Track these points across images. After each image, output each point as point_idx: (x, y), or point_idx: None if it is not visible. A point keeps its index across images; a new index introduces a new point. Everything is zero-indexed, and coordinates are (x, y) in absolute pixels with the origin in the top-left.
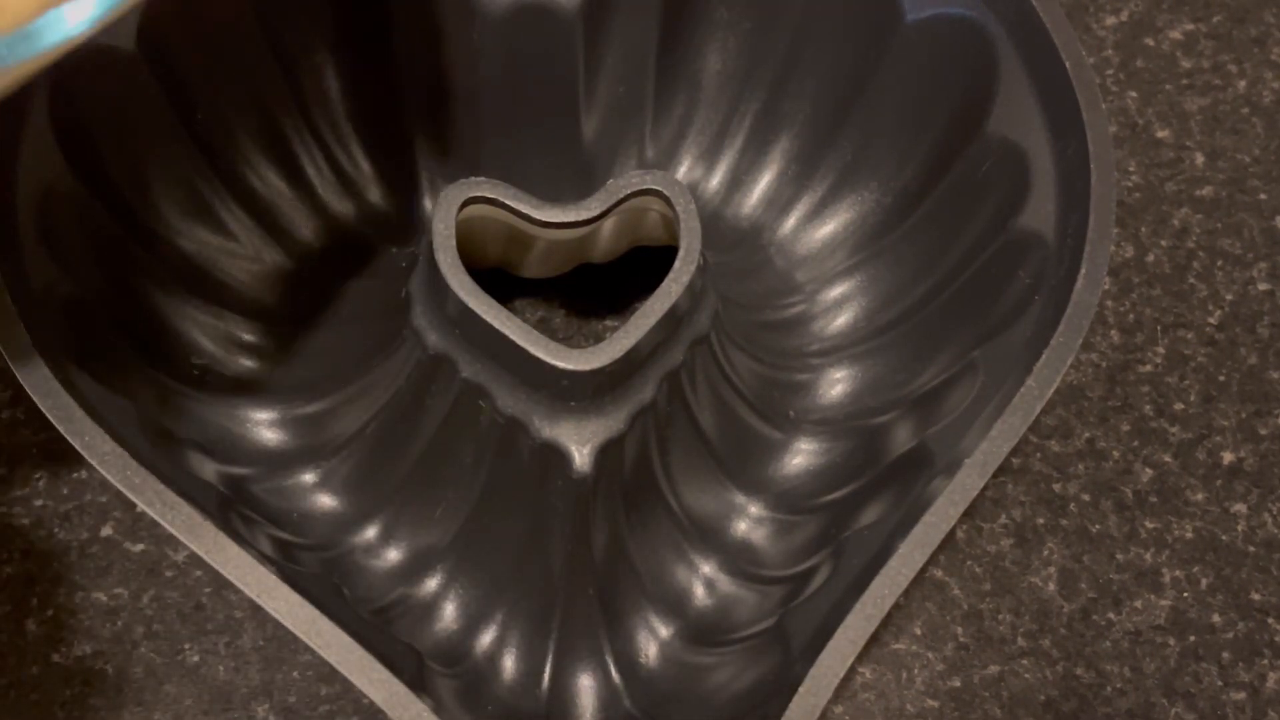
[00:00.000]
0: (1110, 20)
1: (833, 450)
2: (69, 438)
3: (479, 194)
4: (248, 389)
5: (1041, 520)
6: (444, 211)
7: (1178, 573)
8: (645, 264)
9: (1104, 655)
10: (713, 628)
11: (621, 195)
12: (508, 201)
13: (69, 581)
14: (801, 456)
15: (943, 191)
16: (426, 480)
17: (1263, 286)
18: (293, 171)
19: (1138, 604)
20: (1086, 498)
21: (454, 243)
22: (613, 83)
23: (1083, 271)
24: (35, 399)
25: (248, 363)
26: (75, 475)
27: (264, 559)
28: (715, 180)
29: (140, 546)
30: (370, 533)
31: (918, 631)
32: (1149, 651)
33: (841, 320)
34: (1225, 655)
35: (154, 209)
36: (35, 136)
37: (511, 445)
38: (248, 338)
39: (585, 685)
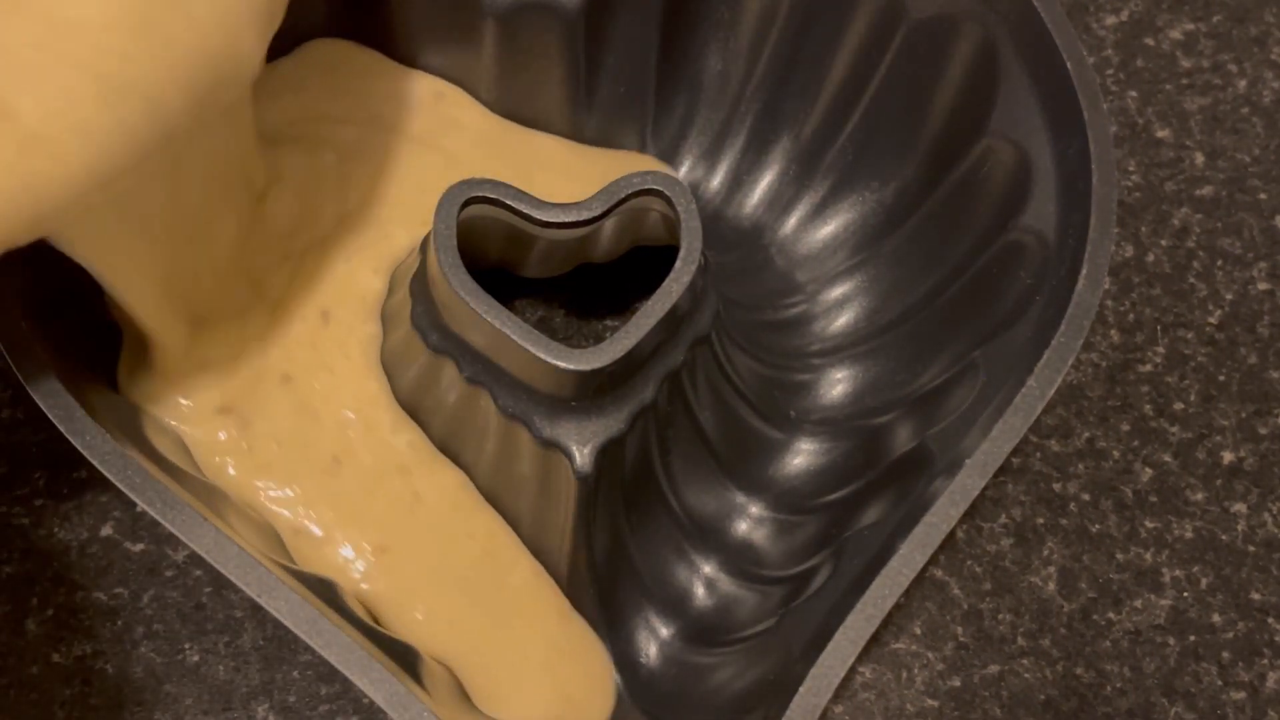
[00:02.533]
0: (1110, 20)
1: (833, 450)
2: (69, 437)
3: (479, 194)
4: None
5: (1041, 520)
6: (444, 211)
7: (1178, 572)
8: (646, 264)
9: (1104, 655)
10: (713, 628)
11: (622, 195)
12: (508, 201)
13: (69, 581)
14: (802, 456)
15: (944, 191)
16: None
17: (1263, 286)
18: None
19: (1138, 604)
20: (1086, 497)
21: (454, 242)
22: (613, 82)
23: (1083, 271)
24: (35, 398)
25: None
26: (75, 475)
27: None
28: (716, 180)
29: (140, 546)
30: None
31: (918, 631)
32: (1149, 651)
33: (842, 320)
34: (1225, 655)
35: None
36: None
37: (512, 445)
38: None
39: None
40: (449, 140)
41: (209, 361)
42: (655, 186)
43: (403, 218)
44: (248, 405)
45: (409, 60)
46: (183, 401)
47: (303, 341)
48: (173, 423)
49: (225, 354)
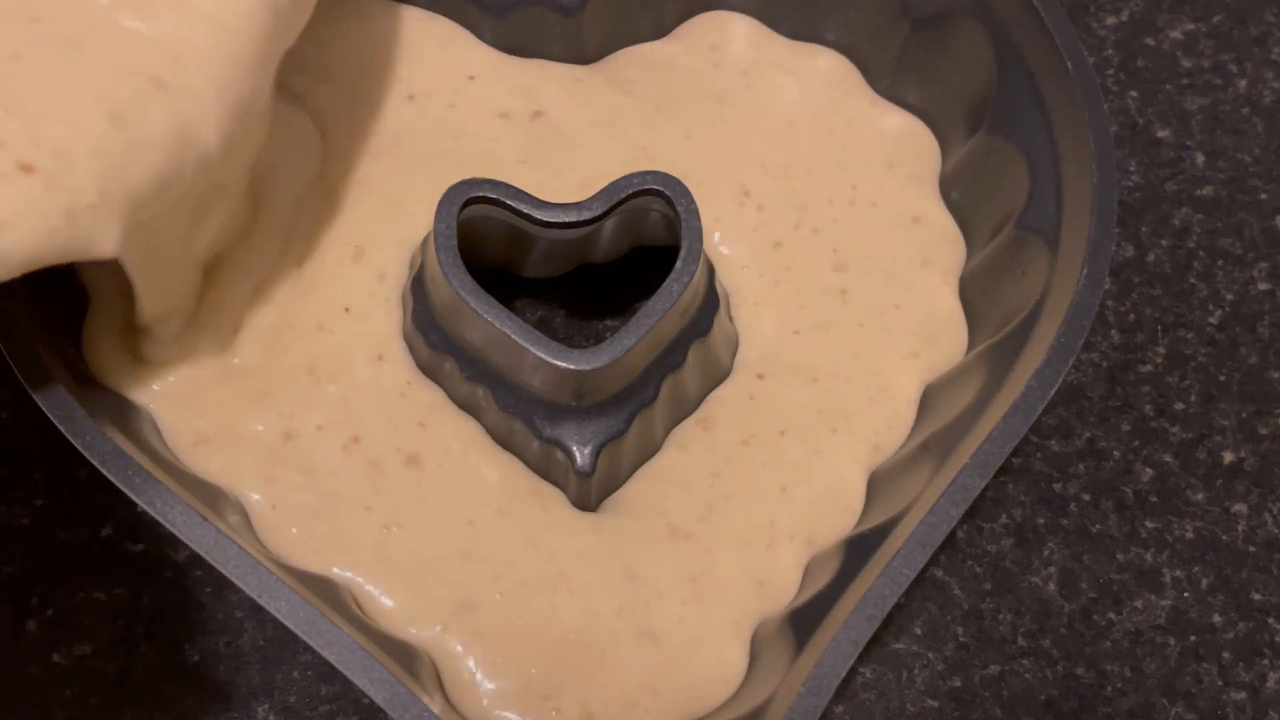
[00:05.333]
0: (1111, 20)
1: None
2: (69, 437)
3: (480, 194)
4: None
5: (1042, 520)
6: (444, 211)
7: (1178, 572)
8: (646, 264)
9: (1104, 655)
10: None
11: (623, 195)
12: (508, 201)
13: (69, 581)
14: None
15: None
16: None
17: (1263, 286)
18: None
19: (1138, 604)
20: (1087, 497)
21: (455, 243)
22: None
23: (1084, 271)
24: (35, 398)
25: None
26: (75, 475)
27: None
28: None
29: (140, 546)
30: None
31: (918, 631)
32: (1149, 651)
33: None
34: (1225, 655)
35: None
36: None
37: (513, 444)
38: None
39: None
40: (462, 84)
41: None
42: (655, 186)
43: (417, 182)
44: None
45: None
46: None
47: (327, 302)
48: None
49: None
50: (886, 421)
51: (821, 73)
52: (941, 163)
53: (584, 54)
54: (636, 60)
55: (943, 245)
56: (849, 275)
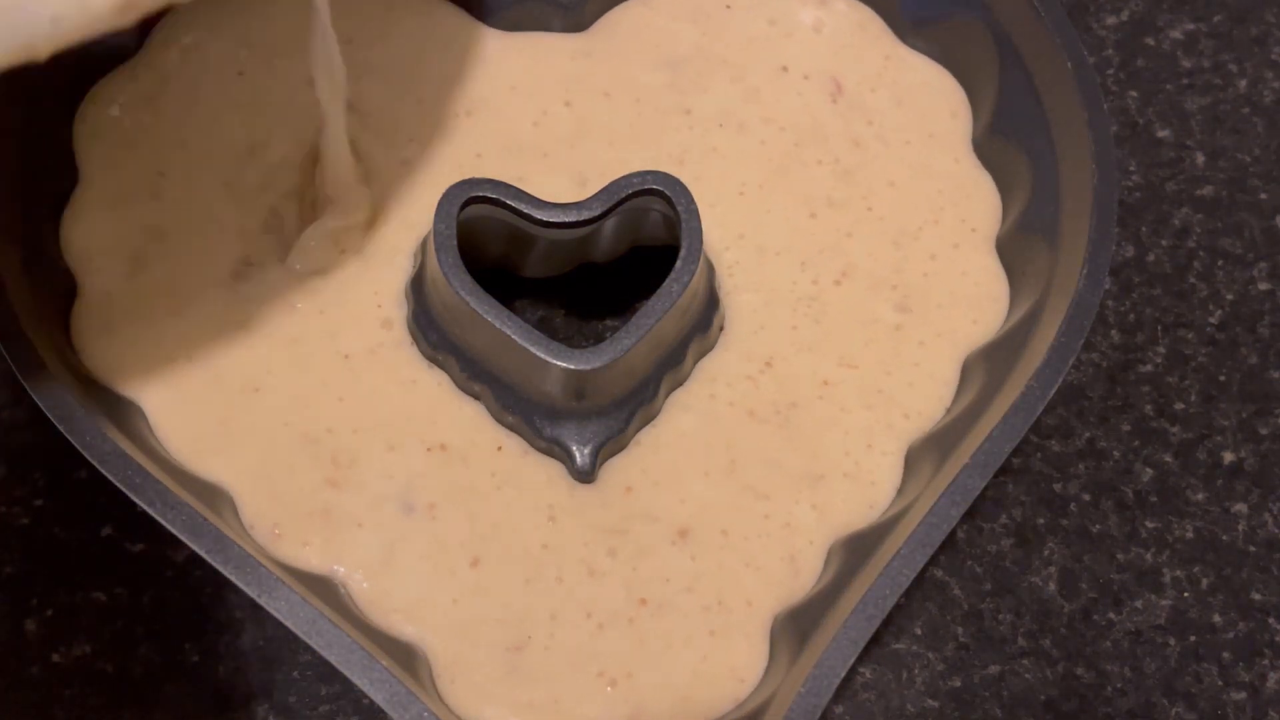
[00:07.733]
0: (1111, 20)
1: None
2: (69, 437)
3: (479, 194)
4: None
5: (1042, 520)
6: (444, 211)
7: (1178, 572)
8: (646, 264)
9: (1104, 655)
10: None
11: (623, 195)
12: (508, 201)
13: (69, 581)
14: None
15: None
16: None
17: (1263, 286)
18: None
19: (1138, 604)
20: (1087, 497)
21: (454, 242)
22: None
23: (1084, 271)
24: (35, 398)
25: None
26: (75, 475)
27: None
28: None
29: (140, 546)
30: None
31: (918, 631)
32: (1149, 651)
33: None
34: (1226, 655)
35: None
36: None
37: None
38: None
39: None
40: (454, 62)
41: None
42: (655, 186)
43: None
44: None
45: None
46: None
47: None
48: None
49: None
50: (924, 393)
51: (842, 16)
52: (973, 120)
53: (583, 25)
54: (637, 20)
55: (977, 207)
56: (892, 247)
